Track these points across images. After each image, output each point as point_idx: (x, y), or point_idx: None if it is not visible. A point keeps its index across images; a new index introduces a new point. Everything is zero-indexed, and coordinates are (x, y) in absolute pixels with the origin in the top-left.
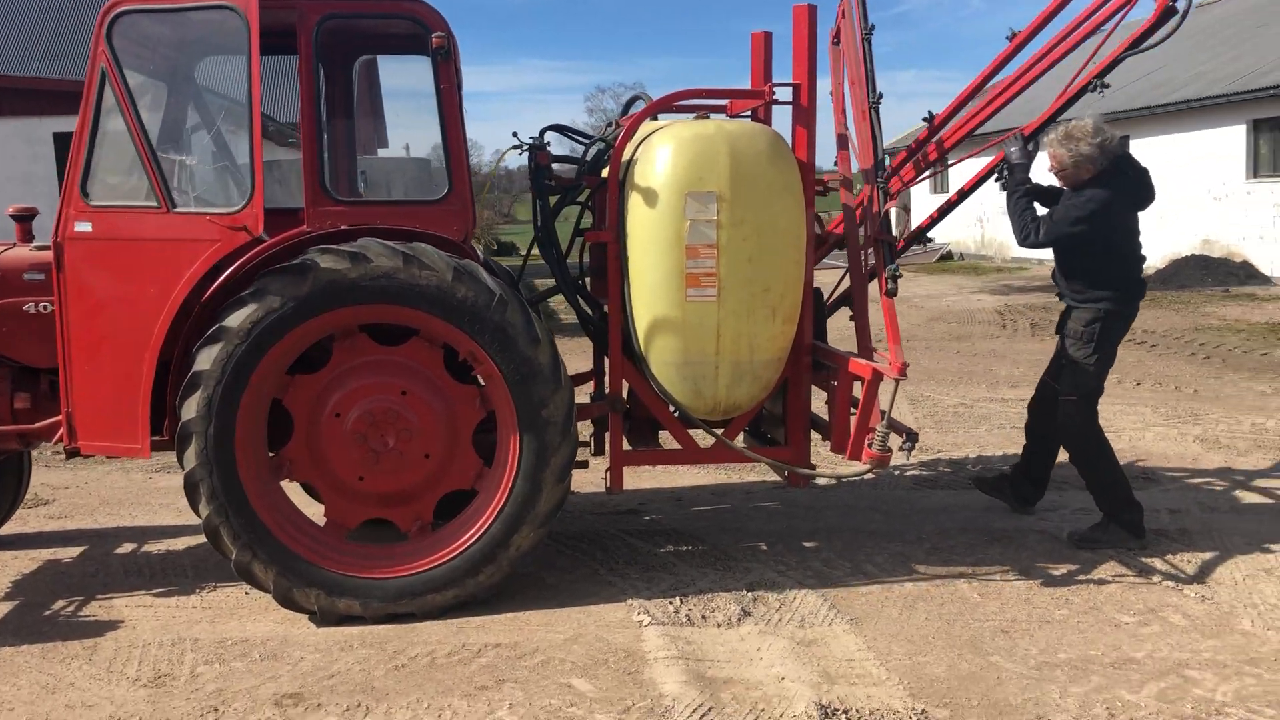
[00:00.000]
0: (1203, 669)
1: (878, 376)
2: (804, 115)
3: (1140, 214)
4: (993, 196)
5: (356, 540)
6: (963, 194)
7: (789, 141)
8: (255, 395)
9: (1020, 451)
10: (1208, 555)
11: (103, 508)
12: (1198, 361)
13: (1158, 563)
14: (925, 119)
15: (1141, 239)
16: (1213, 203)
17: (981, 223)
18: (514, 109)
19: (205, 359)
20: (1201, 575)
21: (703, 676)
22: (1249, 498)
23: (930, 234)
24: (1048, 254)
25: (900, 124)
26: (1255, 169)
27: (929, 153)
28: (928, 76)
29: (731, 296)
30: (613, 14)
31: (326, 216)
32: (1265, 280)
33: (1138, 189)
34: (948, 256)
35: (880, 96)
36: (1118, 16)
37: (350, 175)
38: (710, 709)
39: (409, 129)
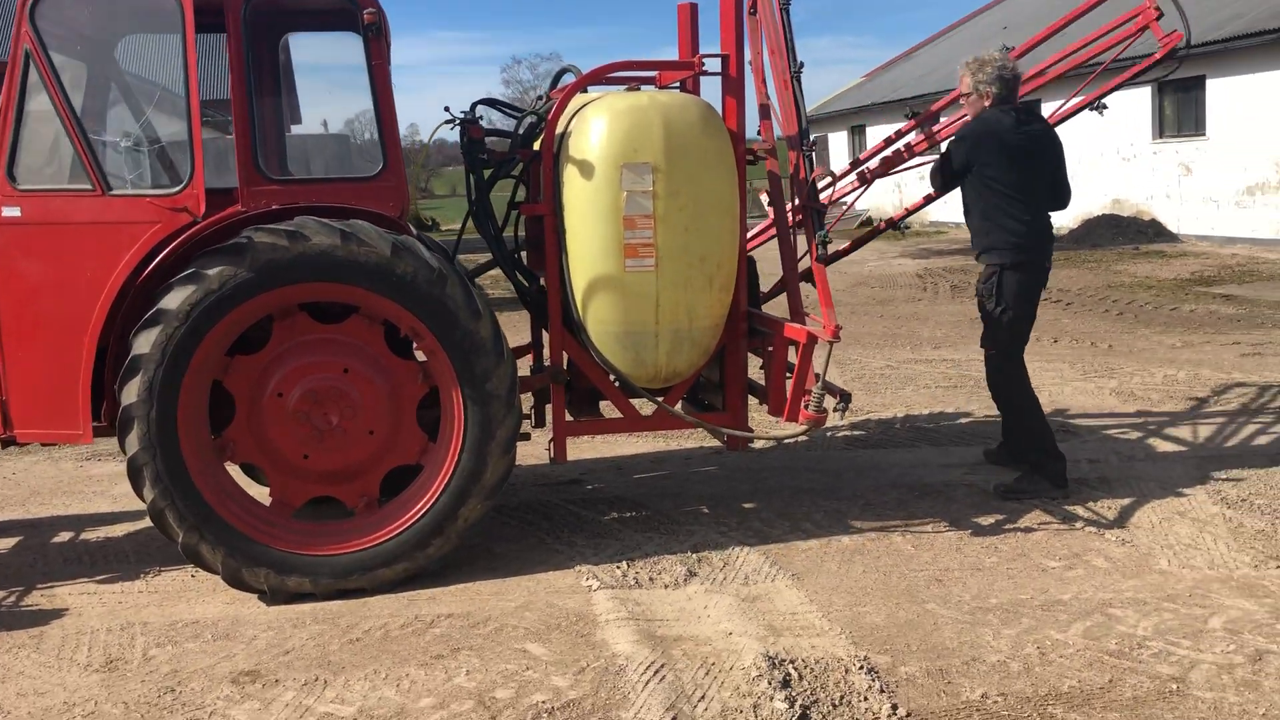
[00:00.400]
0: (1125, 607)
1: (812, 340)
2: (733, 85)
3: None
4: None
5: (304, 518)
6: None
7: (719, 112)
8: (196, 378)
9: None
10: (1126, 501)
11: (34, 498)
12: (1111, 318)
13: (1080, 510)
14: (910, 114)
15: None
16: (1121, 163)
17: (899, 188)
18: (428, 82)
19: (144, 342)
20: (1121, 520)
21: (653, 635)
22: (1162, 446)
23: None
24: (964, 216)
25: (820, 89)
26: (1160, 130)
27: (916, 146)
28: (843, 43)
29: (669, 266)
30: None
31: (261, 196)
32: (1172, 237)
33: (1030, 138)
34: (868, 222)
35: (801, 65)
36: (1120, 47)
37: (281, 154)
38: (663, 665)
39: (329, 105)
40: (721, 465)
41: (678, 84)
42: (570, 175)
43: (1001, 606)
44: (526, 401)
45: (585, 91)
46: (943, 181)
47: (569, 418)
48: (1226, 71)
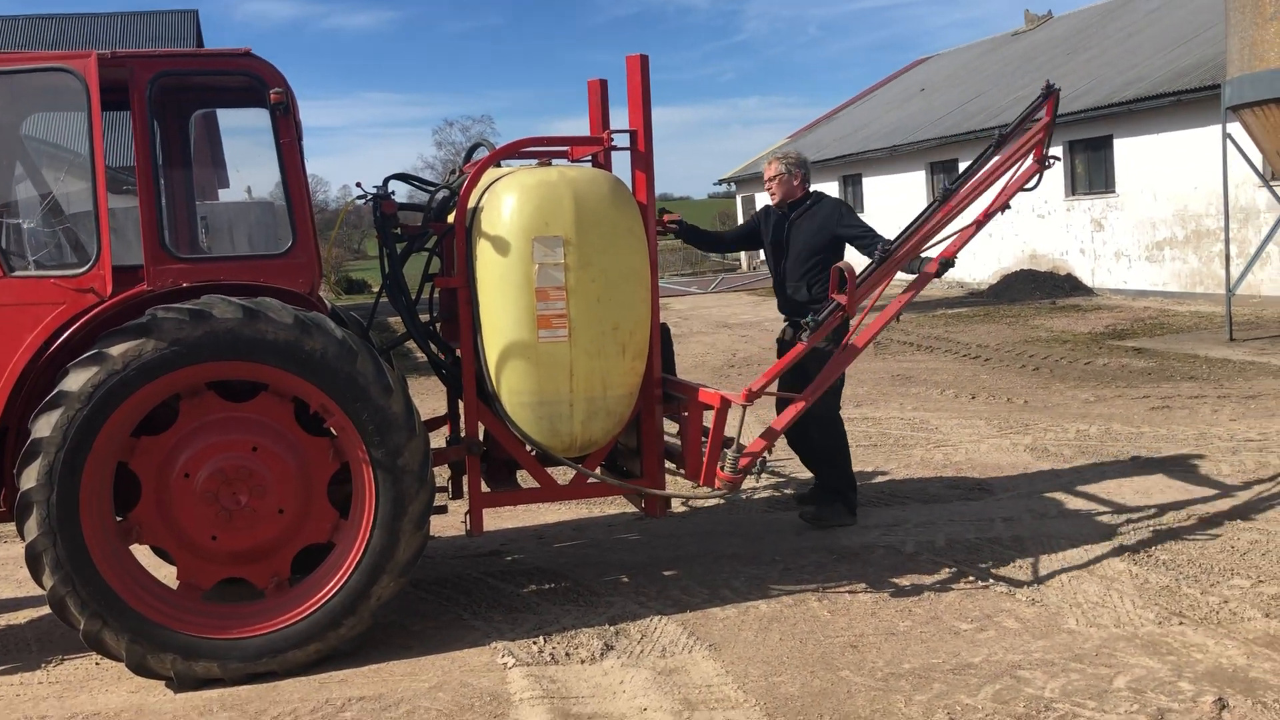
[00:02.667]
0: (1033, 669)
1: (725, 404)
2: (641, 160)
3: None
4: None
5: (212, 601)
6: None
7: (629, 185)
8: (99, 460)
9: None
10: (1038, 559)
11: None
12: (1028, 373)
13: (993, 569)
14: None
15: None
16: (1037, 220)
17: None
18: (358, 142)
19: (45, 425)
20: (1032, 579)
21: (568, 714)
22: (1074, 503)
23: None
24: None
25: (749, 149)
26: (1073, 187)
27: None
28: (771, 102)
29: (583, 336)
30: (456, 46)
31: (168, 274)
32: (1088, 291)
33: None
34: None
35: None
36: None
37: (191, 230)
38: None
39: (251, 172)
40: (643, 532)
41: (589, 159)
42: (483, 248)
43: (914, 672)
44: (443, 473)
45: (499, 166)
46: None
47: (486, 489)
48: (1132, 132)
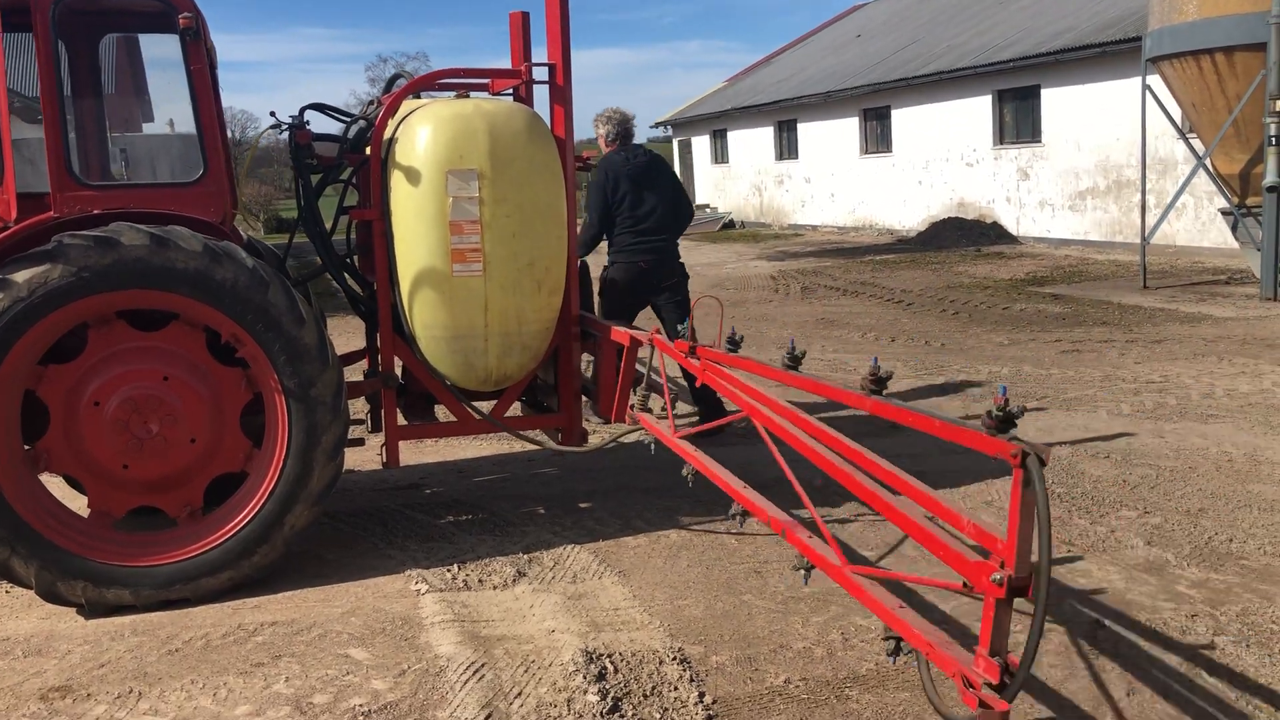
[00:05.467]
0: (927, 591)
1: (635, 343)
2: (560, 94)
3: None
4: (769, 166)
5: (124, 529)
6: None
7: (548, 120)
8: (5, 387)
9: None
10: (939, 493)
11: None
12: (947, 318)
13: None
14: None
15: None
16: (965, 168)
17: (759, 191)
18: (291, 78)
19: None
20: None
21: (477, 636)
22: None
23: (710, 203)
24: (820, 219)
25: (689, 93)
26: (1001, 136)
27: None
28: (713, 46)
29: (497, 271)
30: None
31: (75, 201)
32: (1013, 239)
33: (638, 169)
34: (730, 225)
35: None
36: None
37: (103, 157)
38: (483, 665)
39: (172, 104)
40: (562, 467)
41: (510, 92)
42: (397, 180)
43: (813, 595)
44: (364, 407)
45: (418, 97)
46: (590, 237)
47: (403, 422)
48: (1059, 82)
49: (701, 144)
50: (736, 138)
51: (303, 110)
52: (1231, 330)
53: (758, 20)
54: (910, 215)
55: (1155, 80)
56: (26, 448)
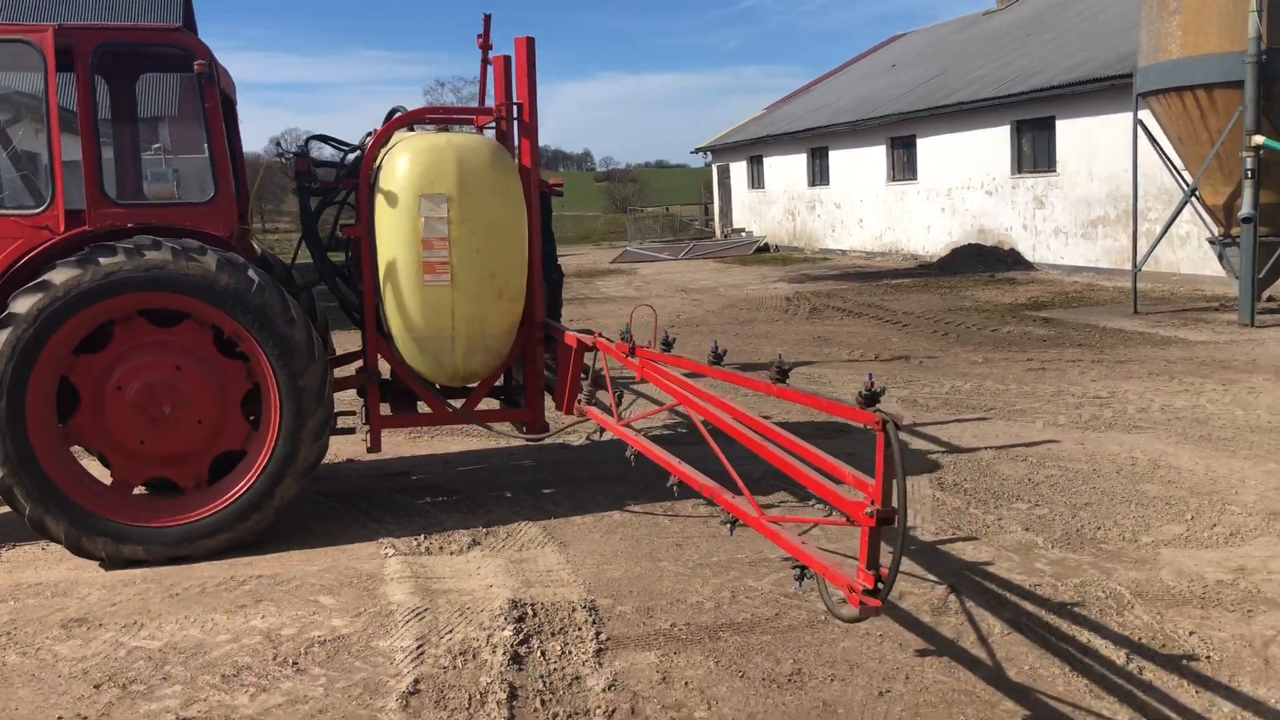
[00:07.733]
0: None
1: (582, 346)
2: (526, 129)
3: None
4: (802, 192)
5: (141, 496)
6: None
7: (514, 151)
8: (44, 372)
9: None
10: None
11: None
12: (936, 338)
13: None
14: None
15: None
16: (985, 196)
17: (793, 216)
18: (353, 100)
19: None
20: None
21: (428, 589)
22: (916, 444)
23: (747, 227)
24: (849, 244)
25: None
26: (1019, 165)
27: None
28: (771, 71)
29: (463, 281)
30: (458, 5)
31: (106, 217)
32: (1028, 265)
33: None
34: (764, 249)
35: None
36: None
37: (135, 178)
38: (426, 610)
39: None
40: (537, 459)
41: (493, 125)
42: (380, 202)
43: (719, 563)
44: (358, 402)
45: (411, 130)
46: None
47: (387, 413)
48: (1073, 114)
49: (739, 170)
50: (772, 164)
51: (307, 140)
52: (1197, 353)
53: (817, 47)
54: (934, 241)
55: (1150, 115)
56: (60, 425)
